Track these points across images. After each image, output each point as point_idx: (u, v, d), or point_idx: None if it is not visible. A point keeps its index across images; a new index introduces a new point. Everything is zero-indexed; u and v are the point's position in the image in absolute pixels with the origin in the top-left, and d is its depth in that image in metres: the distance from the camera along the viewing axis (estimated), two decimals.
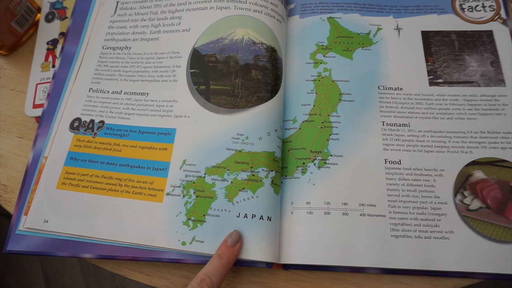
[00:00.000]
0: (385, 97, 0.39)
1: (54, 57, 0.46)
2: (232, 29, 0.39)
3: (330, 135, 0.38)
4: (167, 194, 0.35)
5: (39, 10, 0.49)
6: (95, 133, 0.38)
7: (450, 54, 0.41)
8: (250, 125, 0.36)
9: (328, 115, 0.39)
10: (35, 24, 0.48)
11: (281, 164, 0.37)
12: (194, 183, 0.35)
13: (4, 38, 0.46)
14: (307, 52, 0.42)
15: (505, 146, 0.37)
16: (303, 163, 0.37)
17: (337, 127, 0.38)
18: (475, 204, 0.35)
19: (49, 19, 0.48)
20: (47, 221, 0.35)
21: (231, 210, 0.33)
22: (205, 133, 0.36)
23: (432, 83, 0.40)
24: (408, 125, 0.38)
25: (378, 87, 0.40)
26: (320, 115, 0.39)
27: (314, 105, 0.39)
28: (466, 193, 0.35)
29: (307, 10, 0.44)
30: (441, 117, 0.38)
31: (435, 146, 0.37)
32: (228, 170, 0.35)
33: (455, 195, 0.35)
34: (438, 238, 0.34)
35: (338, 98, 0.39)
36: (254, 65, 0.38)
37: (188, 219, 0.34)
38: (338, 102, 0.39)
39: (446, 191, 0.35)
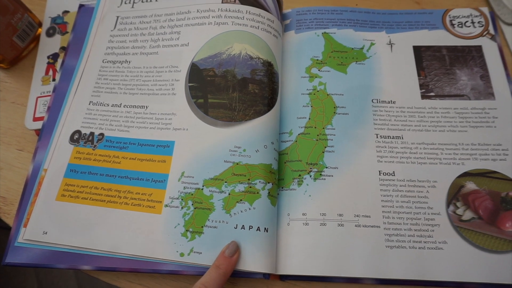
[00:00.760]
0: (379, 110, 0.40)
1: (55, 71, 0.47)
2: (229, 44, 0.40)
3: (325, 147, 0.39)
4: (166, 205, 0.35)
5: (40, 25, 0.50)
6: (95, 146, 0.39)
7: (441, 68, 0.42)
8: (247, 138, 0.37)
9: (323, 128, 0.40)
10: (36, 39, 0.49)
11: (277, 176, 0.38)
12: (192, 195, 0.35)
13: (6, 52, 0.46)
14: (303, 66, 0.43)
15: (495, 158, 0.38)
16: (299, 175, 0.38)
17: (332, 140, 0.39)
18: (468, 214, 0.35)
19: (50, 33, 0.49)
20: (46, 233, 0.35)
21: (229, 222, 0.34)
22: (203, 146, 0.37)
23: (424, 96, 0.41)
24: (401, 137, 0.39)
25: (372, 101, 0.41)
26: (315, 128, 0.40)
27: (309, 118, 0.40)
28: (458, 204, 0.36)
29: (303, 25, 0.46)
30: (433, 129, 0.39)
31: (427, 158, 0.38)
32: (225, 182, 0.35)
33: (447, 206, 0.36)
34: (432, 248, 0.34)
35: (333, 111, 0.40)
36: (251, 79, 0.39)
37: (186, 230, 0.34)
38: (333, 115, 0.40)
39: (439, 202, 0.36)
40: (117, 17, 0.45)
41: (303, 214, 0.36)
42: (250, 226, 0.34)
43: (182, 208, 0.35)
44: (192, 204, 0.35)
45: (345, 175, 0.37)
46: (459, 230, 0.35)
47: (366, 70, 0.43)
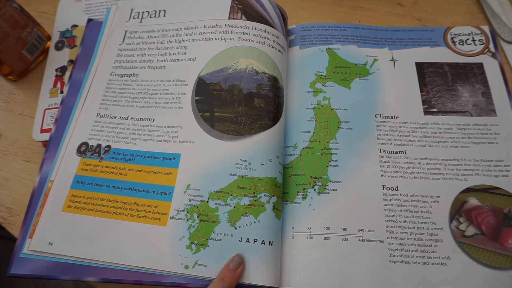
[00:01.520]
0: (382, 125, 0.41)
1: (63, 84, 0.47)
2: (236, 59, 0.41)
3: (329, 161, 0.39)
4: (171, 218, 0.36)
5: (49, 38, 0.51)
6: (102, 157, 0.39)
7: (443, 85, 0.43)
8: (252, 151, 0.37)
9: (328, 142, 0.40)
10: (45, 52, 0.50)
11: (282, 190, 0.38)
12: (197, 207, 0.36)
13: (15, 65, 0.47)
14: (307, 81, 0.44)
15: (498, 174, 0.38)
16: (304, 189, 0.38)
17: (336, 154, 0.40)
18: (470, 230, 0.36)
19: (58, 47, 0.50)
20: (52, 244, 0.35)
21: (234, 235, 0.34)
22: (209, 159, 0.37)
23: (426, 112, 0.42)
24: (404, 153, 0.40)
25: (375, 116, 0.42)
26: (319, 142, 0.40)
27: (314, 132, 0.41)
28: (461, 219, 0.36)
29: (307, 41, 0.47)
30: (435, 145, 0.40)
31: (430, 173, 0.38)
32: (231, 195, 0.36)
33: (450, 221, 0.36)
34: (435, 264, 0.34)
35: (337, 126, 0.41)
36: (257, 93, 0.40)
37: (191, 243, 0.34)
38: (337, 129, 0.41)
39: (442, 217, 0.36)
40: (126, 31, 0.46)
41: (307, 228, 0.36)
42: (255, 239, 0.34)
43: (187, 220, 0.35)
44: (198, 217, 0.35)
45: (349, 189, 0.38)
46: (462, 245, 0.35)
47: (370, 86, 0.43)
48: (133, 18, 0.46)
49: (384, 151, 0.40)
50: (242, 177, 0.36)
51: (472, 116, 0.41)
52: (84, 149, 0.40)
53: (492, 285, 0.33)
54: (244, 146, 0.37)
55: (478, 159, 0.39)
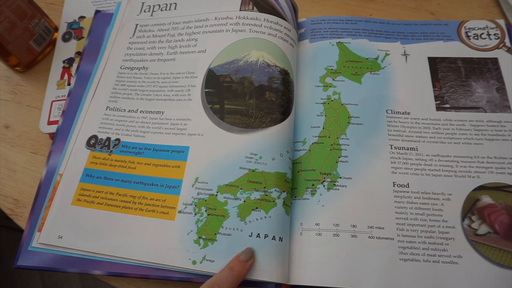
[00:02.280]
0: (393, 121, 0.40)
1: (70, 75, 0.47)
2: (247, 51, 0.40)
3: (339, 157, 0.39)
4: (179, 212, 0.35)
5: (56, 29, 0.50)
6: (111, 151, 0.39)
7: (456, 80, 0.42)
8: (263, 145, 0.37)
9: (337, 138, 0.40)
10: (52, 43, 0.50)
11: (291, 185, 0.37)
12: (206, 201, 0.35)
13: (22, 56, 0.47)
14: (317, 75, 0.43)
15: None
16: (313, 185, 0.38)
17: (346, 150, 0.39)
18: (483, 229, 0.35)
19: (66, 38, 0.49)
20: (61, 237, 0.35)
21: (244, 229, 0.34)
22: (218, 151, 0.37)
23: (439, 108, 0.41)
24: (416, 149, 0.39)
25: (386, 111, 0.41)
26: (329, 137, 0.40)
27: (323, 128, 0.40)
28: (474, 217, 0.36)
29: (317, 35, 0.46)
30: (448, 141, 0.39)
31: (442, 170, 0.38)
32: (241, 189, 0.35)
33: (463, 219, 0.36)
34: (446, 262, 0.34)
35: (347, 121, 0.40)
36: (268, 87, 0.39)
37: (199, 237, 0.34)
38: (347, 125, 0.40)
39: (454, 215, 0.36)
40: (136, 25, 0.45)
41: (316, 224, 0.36)
42: (265, 234, 0.34)
43: (195, 214, 0.35)
44: (206, 211, 0.35)
45: (359, 186, 0.37)
46: (474, 244, 0.34)
47: (381, 81, 0.43)
48: (144, 11, 0.46)
49: (395, 147, 0.39)
50: (253, 171, 0.36)
51: (486, 112, 0.40)
52: (93, 142, 0.40)
53: (505, 285, 0.33)
54: (254, 140, 0.37)
55: (492, 156, 0.38)
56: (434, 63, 0.43)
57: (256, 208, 0.34)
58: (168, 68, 0.42)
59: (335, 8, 0.50)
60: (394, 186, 0.37)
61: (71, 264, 0.35)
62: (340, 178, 0.38)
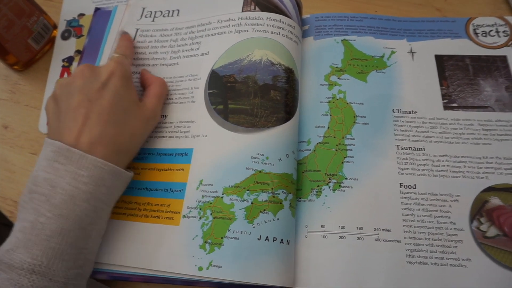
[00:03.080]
0: (400, 121, 0.40)
1: (69, 74, 0.46)
2: (250, 51, 0.39)
3: (344, 157, 0.38)
4: (184, 216, 0.34)
5: (55, 27, 0.49)
6: None
7: (464, 79, 0.41)
8: (270, 145, 0.36)
9: (343, 138, 0.39)
10: (51, 41, 0.49)
11: (296, 187, 0.37)
12: (211, 203, 0.34)
13: (20, 55, 0.46)
14: (322, 74, 0.42)
15: None
16: (318, 186, 0.37)
17: (351, 150, 0.38)
18: (492, 231, 0.34)
19: (65, 36, 0.48)
20: None
21: (252, 232, 0.32)
22: (223, 152, 0.36)
23: (446, 107, 0.40)
24: (423, 149, 0.38)
25: (393, 110, 0.40)
26: (334, 137, 0.39)
27: (328, 127, 0.39)
28: (482, 219, 0.35)
29: (321, 32, 0.45)
30: (456, 141, 0.38)
31: (450, 171, 0.37)
32: (248, 190, 0.34)
33: (471, 221, 0.35)
34: (454, 265, 0.33)
35: (353, 121, 0.39)
36: (273, 85, 0.38)
37: (205, 242, 0.33)
38: (353, 124, 0.39)
39: (462, 217, 0.35)
40: (137, 29, 0.44)
41: (322, 227, 0.35)
42: (274, 237, 0.33)
43: (200, 218, 0.34)
44: (211, 214, 0.34)
45: (365, 187, 0.37)
46: (483, 247, 0.34)
47: (387, 79, 0.42)
48: (145, 17, 0.45)
49: (402, 148, 0.38)
50: (260, 171, 0.35)
51: (494, 111, 0.39)
52: None
53: None
54: (260, 140, 0.36)
55: (501, 157, 0.37)
56: (441, 61, 0.42)
57: (264, 210, 0.33)
58: (171, 72, 0.41)
59: (339, 4, 0.49)
60: (401, 187, 0.37)
61: None
62: (346, 179, 0.37)
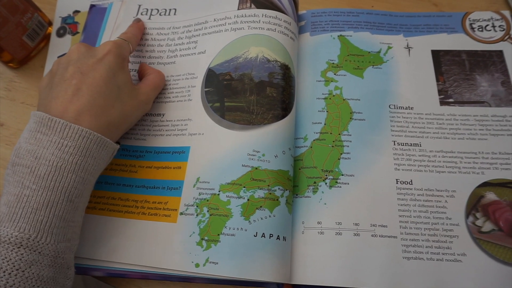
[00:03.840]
0: (396, 116, 0.40)
1: None
2: (246, 48, 0.39)
3: (341, 154, 0.38)
4: (181, 213, 0.35)
5: (50, 23, 0.49)
6: None
7: (460, 74, 0.41)
8: (266, 142, 0.36)
9: (339, 134, 0.39)
10: (46, 38, 0.49)
11: (293, 183, 0.37)
12: (207, 201, 0.34)
13: (15, 52, 0.46)
14: (318, 70, 0.42)
15: None
16: (314, 182, 0.37)
17: (348, 146, 0.38)
18: (487, 226, 0.35)
19: (60, 33, 0.48)
20: None
21: (248, 229, 0.33)
22: (219, 150, 0.36)
23: (442, 102, 0.40)
24: (419, 145, 0.38)
25: (389, 106, 0.40)
26: (331, 133, 0.39)
27: (325, 124, 0.39)
28: (478, 214, 0.35)
29: (318, 27, 0.45)
30: (452, 137, 0.38)
31: (446, 167, 0.37)
32: (244, 187, 0.34)
33: (467, 216, 0.35)
34: (450, 260, 0.34)
35: (349, 117, 0.39)
36: (269, 82, 0.38)
37: (202, 239, 0.33)
38: (349, 120, 0.39)
39: (458, 212, 0.35)
40: None
41: (318, 223, 0.35)
42: (270, 234, 0.33)
43: (197, 215, 0.34)
44: (208, 211, 0.34)
45: (362, 183, 0.37)
46: (478, 242, 0.34)
47: (383, 75, 0.42)
48: (141, 14, 0.44)
49: (398, 144, 0.38)
50: (256, 168, 0.35)
51: (490, 106, 0.39)
52: None
53: (510, 283, 0.32)
54: (257, 137, 0.36)
55: (497, 152, 0.37)
56: (437, 56, 0.42)
57: (260, 207, 0.33)
58: (168, 71, 0.41)
59: None
60: (397, 183, 0.37)
61: None
62: (342, 175, 0.37)
